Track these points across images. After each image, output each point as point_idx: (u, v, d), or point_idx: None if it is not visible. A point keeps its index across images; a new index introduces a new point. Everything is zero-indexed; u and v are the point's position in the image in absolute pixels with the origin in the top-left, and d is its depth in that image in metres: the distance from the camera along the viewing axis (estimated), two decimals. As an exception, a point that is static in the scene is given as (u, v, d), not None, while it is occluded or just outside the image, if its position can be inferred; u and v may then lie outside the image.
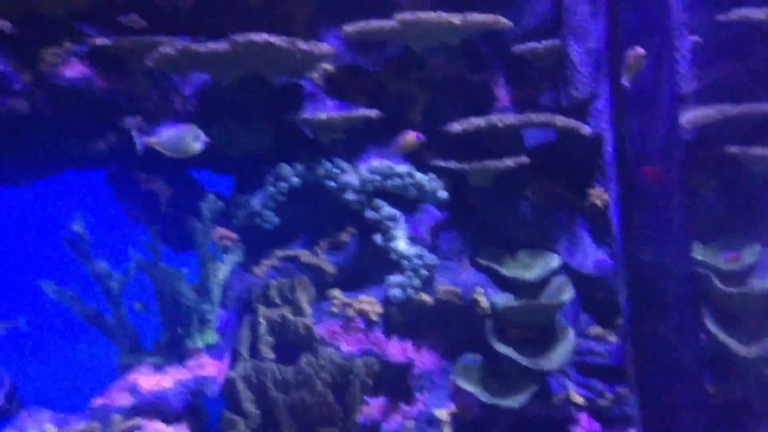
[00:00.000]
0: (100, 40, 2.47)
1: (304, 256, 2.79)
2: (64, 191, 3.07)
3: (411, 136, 2.58)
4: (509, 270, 2.80)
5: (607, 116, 2.78)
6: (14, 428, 2.32)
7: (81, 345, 3.46)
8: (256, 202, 2.72)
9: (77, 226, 2.43)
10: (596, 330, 2.80)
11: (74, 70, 2.49)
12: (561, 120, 2.66)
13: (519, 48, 2.78)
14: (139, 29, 2.53)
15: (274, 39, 2.34)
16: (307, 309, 2.65)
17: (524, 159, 2.69)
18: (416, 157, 2.83)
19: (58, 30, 2.51)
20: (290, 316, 2.61)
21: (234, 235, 2.69)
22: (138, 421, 2.43)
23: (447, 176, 2.80)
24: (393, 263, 2.74)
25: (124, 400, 2.46)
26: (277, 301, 2.69)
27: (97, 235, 2.47)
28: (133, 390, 2.47)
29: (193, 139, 2.29)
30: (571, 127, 2.67)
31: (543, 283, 2.78)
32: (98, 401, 2.45)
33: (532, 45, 2.76)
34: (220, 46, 2.38)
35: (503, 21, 2.61)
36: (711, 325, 2.77)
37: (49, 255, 2.86)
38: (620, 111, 2.73)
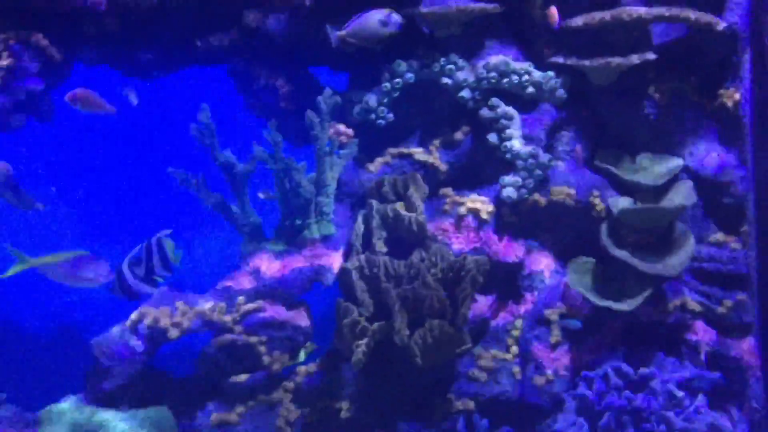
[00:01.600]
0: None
1: (418, 153, 2.81)
2: (191, 85, 3.19)
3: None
4: (628, 173, 2.72)
5: (744, 9, 2.59)
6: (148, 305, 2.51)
7: (206, 232, 3.67)
8: (371, 98, 2.74)
9: (204, 117, 2.53)
10: (718, 236, 2.69)
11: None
12: (694, 14, 2.50)
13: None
14: None
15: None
16: (420, 205, 2.68)
17: (651, 55, 2.56)
18: (535, 54, 2.76)
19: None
20: (403, 212, 2.65)
21: (349, 131, 2.74)
22: (260, 303, 2.58)
23: (566, 74, 2.72)
24: (507, 163, 2.72)
25: (247, 283, 2.61)
26: (390, 196, 2.73)
27: (221, 128, 2.57)
28: (256, 275, 2.62)
29: (382, 25, 2.35)
30: (705, 21, 2.50)
31: (663, 186, 2.69)
32: (223, 284, 2.62)
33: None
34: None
35: None
36: None
37: (178, 145, 3.00)
38: (759, 3, 2.54)
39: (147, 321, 2.49)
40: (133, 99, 2.26)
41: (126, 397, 2.53)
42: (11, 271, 2.13)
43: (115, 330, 2.53)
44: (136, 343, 2.49)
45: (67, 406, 2.49)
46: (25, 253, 2.10)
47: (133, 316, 2.51)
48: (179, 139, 2.72)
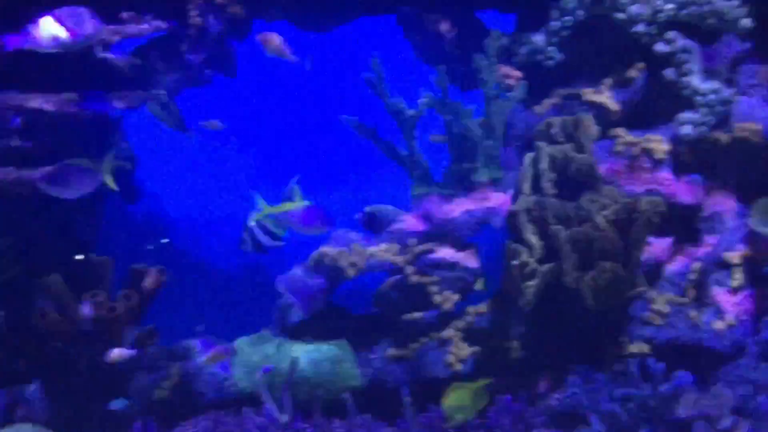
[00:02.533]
0: None
1: (588, 93, 2.74)
2: (361, 35, 3.30)
3: None
4: (823, 106, 2.52)
5: None
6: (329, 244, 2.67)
7: (378, 175, 3.81)
8: (539, 38, 2.70)
9: (375, 66, 2.62)
10: None
11: None
12: None
13: None
14: None
15: None
16: (590, 147, 2.62)
17: None
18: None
19: None
20: (572, 153, 2.61)
21: (517, 73, 2.72)
22: (431, 245, 2.67)
23: (751, 1, 2.53)
24: (685, 99, 2.59)
25: (418, 226, 2.70)
26: (560, 138, 2.69)
27: (391, 75, 2.65)
28: (426, 217, 2.70)
29: None
30: None
31: None
32: (395, 226, 2.72)
33: None
34: None
35: None
36: None
37: (350, 93, 3.13)
38: None
39: (327, 260, 2.65)
40: (308, 65, 2.38)
41: (309, 330, 2.73)
42: (254, 219, 2.31)
43: (298, 269, 2.72)
44: (318, 281, 2.67)
45: (257, 337, 2.72)
46: (264, 202, 2.27)
47: (314, 255, 2.68)
48: (351, 88, 2.83)
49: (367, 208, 2.44)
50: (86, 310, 2.42)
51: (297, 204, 2.26)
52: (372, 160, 3.17)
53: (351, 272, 2.66)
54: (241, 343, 2.73)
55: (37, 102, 2.23)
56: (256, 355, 2.65)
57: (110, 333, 2.49)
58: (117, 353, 2.38)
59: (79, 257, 2.60)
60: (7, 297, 2.51)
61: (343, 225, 2.76)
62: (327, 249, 2.68)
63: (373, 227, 2.39)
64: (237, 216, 2.64)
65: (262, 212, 2.23)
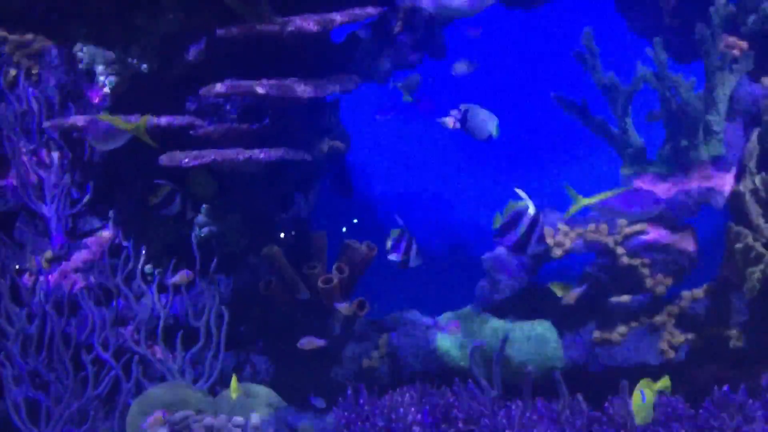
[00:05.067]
0: None
1: (827, 62, 2.49)
2: (572, 11, 3.22)
3: None
4: None
5: None
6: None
7: (588, 154, 3.71)
8: (770, 4, 2.49)
9: (587, 41, 2.54)
10: None
11: None
12: None
13: None
14: None
15: None
16: (829, 121, 2.39)
17: None
18: None
19: None
20: (808, 129, 2.39)
21: (743, 44, 2.53)
22: (643, 225, 2.56)
23: None
24: None
25: (630, 205, 2.60)
26: (792, 112, 2.48)
27: (603, 50, 2.56)
28: (638, 197, 2.59)
29: None
30: None
31: None
32: (604, 204, 2.63)
33: None
34: None
35: None
36: None
37: (559, 69, 3.07)
38: None
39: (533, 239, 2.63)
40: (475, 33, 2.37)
41: (513, 309, 2.73)
42: (570, 212, 2.36)
43: (502, 248, 2.71)
44: (523, 260, 2.66)
45: (462, 313, 2.76)
46: (577, 192, 2.30)
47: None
48: (562, 64, 2.77)
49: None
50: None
51: (613, 191, 2.23)
52: (582, 138, 3.08)
53: (558, 252, 2.62)
54: (446, 317, 2.79)
55: (263, 88, 2.40)
56: (461, 331, 2.70)
57: (327, 301, 2.65)
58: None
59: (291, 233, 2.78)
60: (236, 267, 2.73)
61: (547, 204, 2.72)
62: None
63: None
64: (440, 195, 2.69)
65: (577, 203, 2.23)
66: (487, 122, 2.33)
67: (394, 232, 2.34)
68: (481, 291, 2.75)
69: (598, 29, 2.67)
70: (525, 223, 2.10)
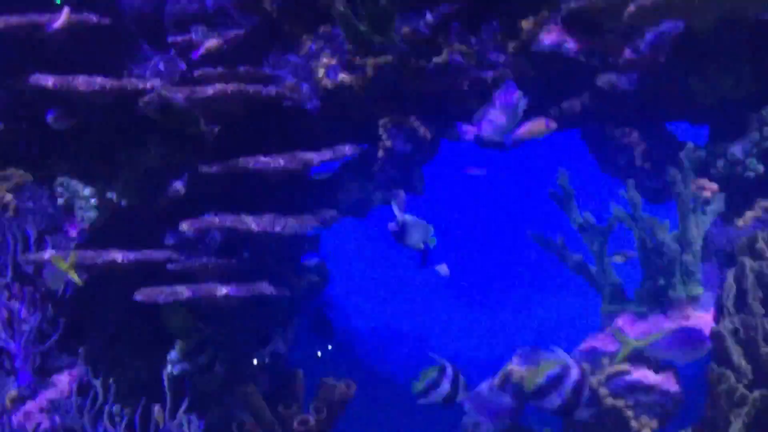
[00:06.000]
0: (574, 4, 2.60)
1: (795, 205, 2.57)
2: (545, 149, 3.32)
3: (540, 123, 2.41)
4: None
5: None
6: None
7: (567, 291, 3.74)
8: (737, 149, 2.59)
9: (562, 181, 2.61)
10: None
11: (551, 36, 2.67)
12: None
13: None
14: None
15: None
16: (801, 262, 2.43)
17: None
18: None
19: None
20: (782, 270, 2.43)
21: (714, 186, 2.61)
22: (626, 366, 2.54)
23: None
24: None
25: (610, 345, 2.58)
26: (766, 253, 2.52)
27: (578, 189, 2.63)
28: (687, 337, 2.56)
29: None
30: None
31: None
32: (588, 345, 2.62)
33: None
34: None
35: None
36: None
37: (536, 208, 3.13)
38: None
39: (514, 378, 2.58)
40: (479, 172, 2.46)
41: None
42: (620, 357, 2.33)
43: (484, 386, 2.67)
44: (504, 400, 2.60)
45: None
46: (627, 336, 2.27)
47: (501, 373, 2.62)
48: (537, 202, 2.83)
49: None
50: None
51: (662, 331, 2.22)
52: (560, 276, 3.11)
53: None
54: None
55: (246, 224, 2.41)
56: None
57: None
58: None
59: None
60: (209, 406, 2.64)
61: (530, 341, 2.71)
62: (514, 367, 2.62)
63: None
64: (420, 332, 2.67)
65: (626, 347, 2.19)
66: (423, 232, 2.36)
67: (432, 370, 2.25)
68: (464, 430, 2.67)
69: (574, 168, 2.76)
70: (569, 385, 1.97)
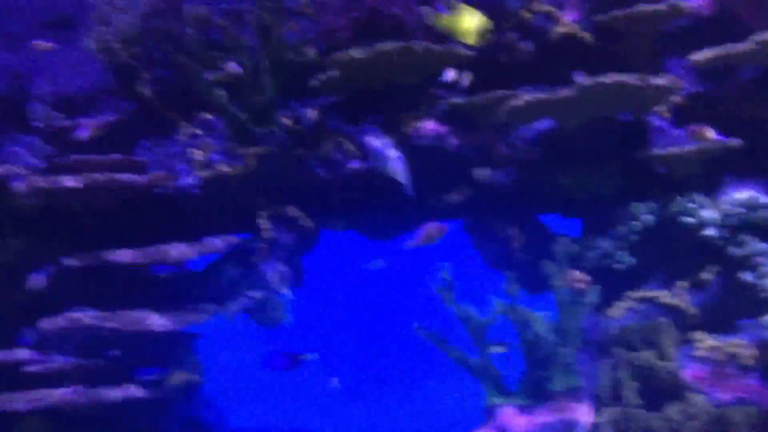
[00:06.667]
0: (453, 101, 2.67)
1: (663, 296, 2.68)
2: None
3: (438, 228, 2.54)
4: None
5: None
6: None
7: (450, 384, 3.70)
8: (607, 243, 2.69)
9: (444, 274, 2.62)
10: None
11: (430, 130, 2.72)
12: None
13: None
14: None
15: (625, 78, 2.32)
16: (671, 353, 2.53)
17: None
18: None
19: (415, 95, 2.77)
20: (653, 361, 2.51)
21: (587, 278, 2.69)
22: (510, 461, 2.52)
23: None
24: (765, 302, 2.51)
25: (494, 440, 2.57)
26: (638, 344, 2.61)
27: (460, 280, 2.64)
28: (501, 429, 2.56)
29: None
30: None
31: None
32: (470, 440, 2.59)
33: None
34: (568, 92, 2.42)
35: None
36: None
37: (419, 300, 3.12)
38: None
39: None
40: (378, 265, 2.46)
41: None
42: None
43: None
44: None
45: None
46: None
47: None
48: (420, 293, 2.83)
49: None
50: None
51: None
52: (444, 367, 3.09)
53: (424, 492, 2.50)
54: None
55: (111, 322, 2.26)
56: None
57: None
58: None
59: None
60: None
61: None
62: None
63: None
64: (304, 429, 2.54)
65: None
66: (278, 310, 2.33)
67: None
68: None
69: (458, 259, 2.78)
70: None
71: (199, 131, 2.73)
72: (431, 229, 2.52)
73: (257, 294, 2.62)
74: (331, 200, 2.84)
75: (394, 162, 2.43)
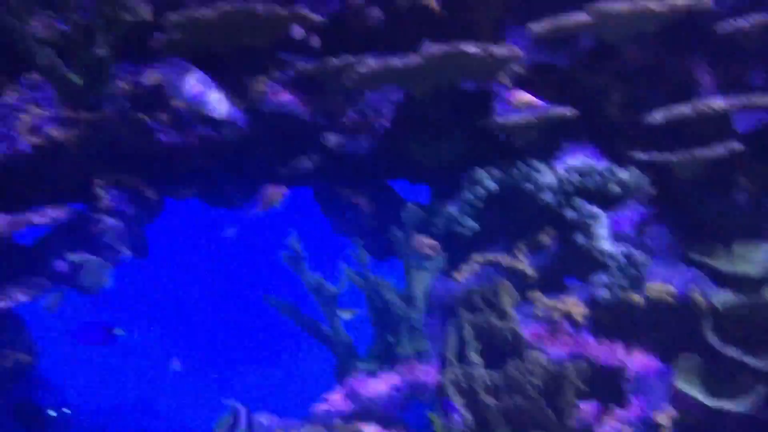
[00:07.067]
0: (302, 66, 2.62)
1: (505, 260, 2.79)
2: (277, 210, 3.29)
3: (276, 192, 2.57)
4: (725, 264, 2.63)
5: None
6: None
7: (302, 353, 3.70)
8: (453, 209, 2.76)
9: (293, 242, 2.60)
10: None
11: (280, 96, 2.66)
12: (776, 100, 2.47)
13: (723, 27, 2.60)
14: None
15: (468, 47, 2.36)
16: (511, 313, 2.64)
17: (737, 145, 2.51)
18: (615, 152, 2.75)
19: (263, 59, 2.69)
20: (495, 321, 2.61)
21: (434, 243, 2.75)
22: (357, 425, 2.55)
23: (649, 170, 2.69)
24: (597, 263, 2.67)
25: (343, 405, 2.59)
26: (481, 305, 2.70)
27: (310, 249, 2.63)
28: (352, 396, 2.60)
29: None
30: (789, 106, 2.46)
31: (765, 276, 2.59)
32: (320, 407, 2.60)
33: (737, 23, 2.57)
34: (414, 60, 2.43)
35: (705, 1, 2.46)
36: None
37: (269, 269, 3.08)
38: None
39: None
40: (231, 232, 2.39)
41: None
42: None
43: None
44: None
45: None
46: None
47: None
48: (271, 262, 2.79)
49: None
50: None
51: None
52: (295, 338, 3.08)
53: (273, 460, 2.50)
54: None
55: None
56: None
57: None
58: None
59: None
60: None
61: (263, 407, 2.63)
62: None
63: None
64: (145, 403, 2.47)
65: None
66: (101, 273, 2.27)
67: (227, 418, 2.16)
68: None
69: (307, 227, 2.77)
70: None
71: (27, 94, 2.54)
72: (270, 193, 2.46)
73: (78, 257, 2.47)
74: (175, 168, 2.73)
75: (212, 101, 2.34)
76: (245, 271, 3.77)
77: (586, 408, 2.65)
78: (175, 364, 2.19)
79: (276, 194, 2.48)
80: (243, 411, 2.27)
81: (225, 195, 2.83)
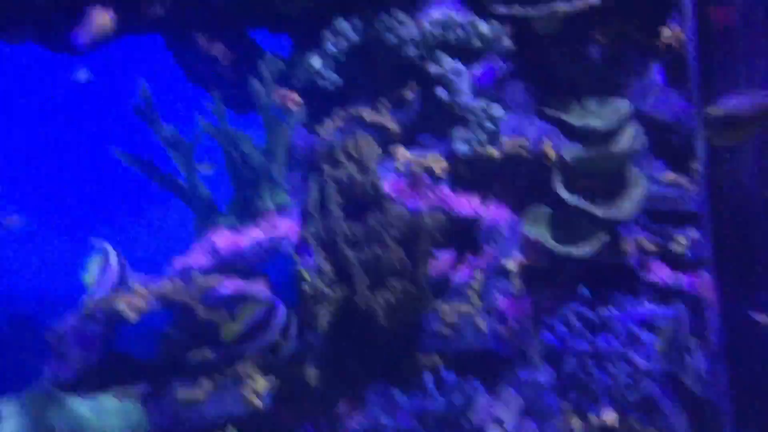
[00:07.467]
0: None
1: (368, 114, 2.77)
2: (126, 58, 3.09)
3: (104, 17, 2.36)
4: (577, 119, 2.73)
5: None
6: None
7: (158, 210, 3.59)
8: (315, 60, 2.68)
9: (143, 94, 2.45)
10: (670, 176, 2.74)
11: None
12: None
13: None
14: None
15: None
16: (373, 167, 2.65)
17: (594, 0, 2.54)
18: (477, 5, 2.72)
19: None
20: (356, 175, 2.62)
21: (296, 96, 2.68)
22: (218, 278, 2.55)
23: (510, 24, 2.69)
24: (458, 118, 2.70)
25: (203, 260, 2.56)
26: (343, 160, 2.70)
27: (163, 101, 2.50)
28: (211, 250, 2.57)
29: None
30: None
31: (613, 130, 2.70)
32: (179, 262, 2.57)
33: None
34: None
35: None
36: None
37: (119, 122, 2.92)
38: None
39: (103, 305, 2.43)
40: (84, 76, 2.19)
41: (88, 382, 2.49)
42: None
43: (71, 317, 2.47)
44: (94, 328, 2.44)
45: (32, 396, 2.44)
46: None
47: (89, 301, 2.45)
48: (123, 115, 2.64)
49: None
50: None
51: None
52: (151, 194, 2.98)
53: (132, 315, 2.46)
54: (10, 405, 2.43)
55: None
56: (25, 417, 2.36)
57: None
58: None
59: None
60: None
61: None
62: (104, 293, 2.46)
63: None
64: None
65: None
66: None
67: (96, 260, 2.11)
68: (50, 367, 2.46)
69: (160, 78, 2.61)
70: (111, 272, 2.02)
71: None
72: (97, 17, 2.18)
73: None
74: (7, 8, 2.47)
75: None
76: (97, 123, 3.56)
77: (443, 257, 2.78)
78: (13, 220, 2.05)
79: (102, 20, 2.20)
80: (113, 251, 2.22)
81: (64, 40, 2.60)
